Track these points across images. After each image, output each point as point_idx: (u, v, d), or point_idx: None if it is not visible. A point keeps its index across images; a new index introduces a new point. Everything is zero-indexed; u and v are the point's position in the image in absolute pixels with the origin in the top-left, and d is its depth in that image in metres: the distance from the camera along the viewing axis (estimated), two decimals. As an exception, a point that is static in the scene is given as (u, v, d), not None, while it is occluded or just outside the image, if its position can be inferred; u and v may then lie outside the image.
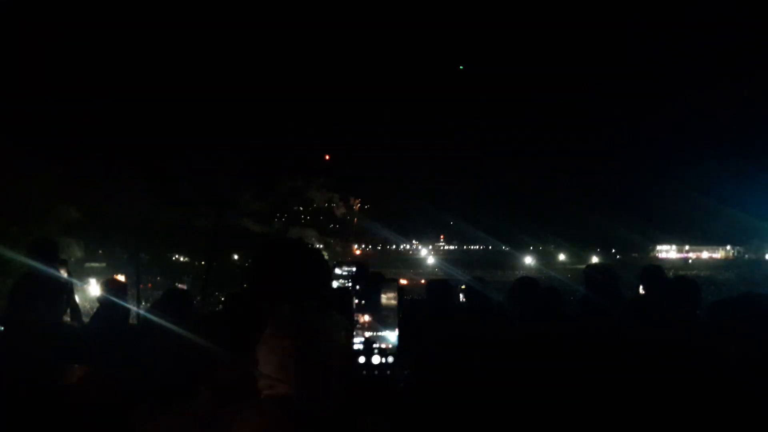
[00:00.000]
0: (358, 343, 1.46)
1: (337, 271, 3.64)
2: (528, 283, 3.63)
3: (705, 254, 60.55)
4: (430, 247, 68.10)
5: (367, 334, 1.47)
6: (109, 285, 4.05)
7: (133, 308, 4.65)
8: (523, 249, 55.97)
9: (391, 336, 1.48)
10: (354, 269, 3.56)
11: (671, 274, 4.67)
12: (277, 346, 1.30)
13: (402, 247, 66.79)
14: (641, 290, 4.36)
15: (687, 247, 61.44)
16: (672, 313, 3.22)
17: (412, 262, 56.29)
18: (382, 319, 1.51)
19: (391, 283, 1.57)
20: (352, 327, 1.48)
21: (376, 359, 1.44)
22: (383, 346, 1.46)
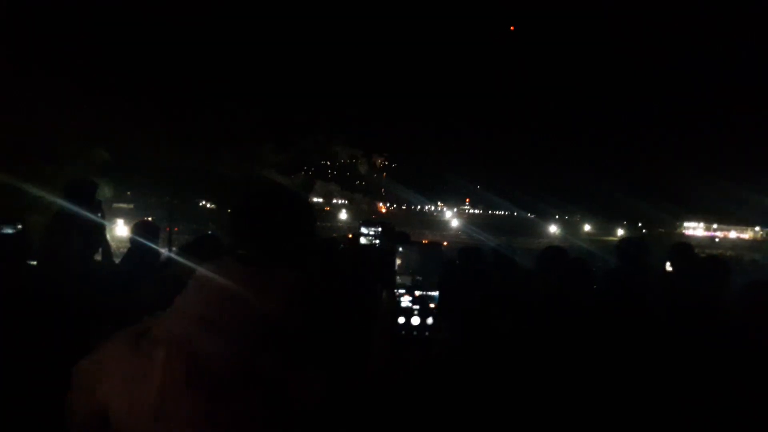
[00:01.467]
0: (405, 301, 1.44)
1: (363, 229, 3.64)
2: (557, 251, 3.61)
3: (733, 234, 59.51)
4: (455, 209, 67.92)
5: (417, 293, 1.47)
6: (142, 227, 4.11)
7: (163, 251, 4.73)
8: (548, 217, 55.55)
9: (435, 295, 1.48)
10: (379, 228, 3.56)
11: (698, 252, 4.60)
12: (199, 288, 1.30)
13: (427, 208, 66.74)
14: (668, 267, 4.31)
15: (715, 226, 60.43)
16: (701, 292, 3.18)
17: (436, 224, 56.27)
18: (427, 279, 1.49)
19: (432, 244, 1.57)
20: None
21: (415, 320, 1.42)
22: (430, 305, 1.45)
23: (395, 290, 1.41)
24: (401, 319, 1.41)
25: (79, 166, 19.74)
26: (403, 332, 1.41)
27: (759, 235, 57.83)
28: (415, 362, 1.39)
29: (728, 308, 3.13)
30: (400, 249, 1.43)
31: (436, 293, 1.43)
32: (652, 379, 2.47)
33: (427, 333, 1.41)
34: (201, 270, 1.32)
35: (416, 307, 1.42)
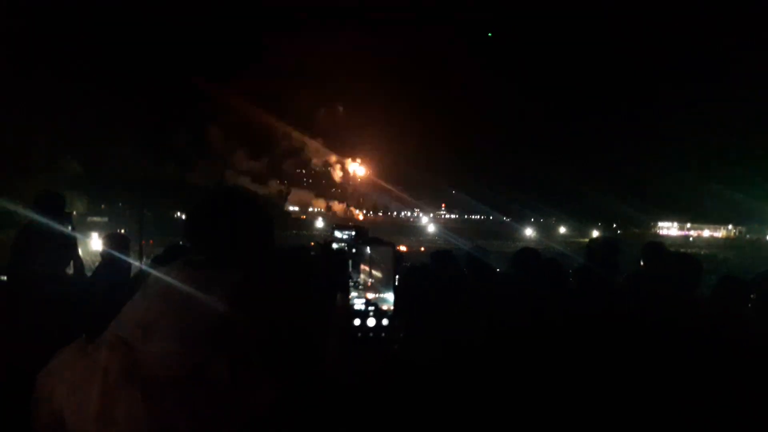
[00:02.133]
0: (359, 304, 1.45)
1: (337, 234, 3.62)
2: (531, 252, 3.64)
3: (706, 233, 60.59)
4: (431, 215, 68.11)
5: (369, 295, 1.46)
6: (112, 239, 4.06)
7: (135, 263, 4.68)
8: (524, 221, 56.03)
9: (390, 298, 1.48)
10: (353, 233, 3.54)
11: (672, 251, 4.67)
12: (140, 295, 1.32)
13: (403, 214, 66.83)
14: (641, 264, 4.36)
15: (688, 225, 61.45)
16: (672, 289, 3.22)
17: (412, 230, 56.37)
18: (381, 282, 1.47)
19: (384, 246, 1.56)
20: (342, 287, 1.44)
21: (371, 321, 1.43)
22: (383, 307, 1.46)
23: (349, 293, 1.42)
24: (356, 321, 1.42)
25: (50, 179, 19.43)
26: (359, 334, 1.42)
27: (732, 233, 58.91)
28: (372, 362, 1.39)
29: (700, 304, 3.18)
30: (353, 250, 1.43)
31: (390, 294, 1.44)
32: (626, 378, 2.48)
33: (383, 334, 1.42)
34: (151, 275, 1.32)
35: (371, 308, 1.43)
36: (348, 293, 1.42)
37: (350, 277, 1.44)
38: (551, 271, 3.32)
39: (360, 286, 1.46)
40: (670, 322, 2.79)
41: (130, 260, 4.30)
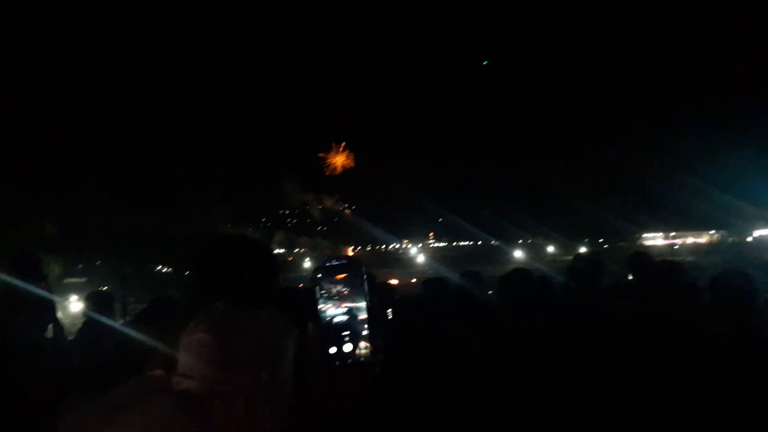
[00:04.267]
0: (334, 330, 1.39)
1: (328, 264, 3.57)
2: (520, 272, 3.63)
3: (690, 239, 61.22)
4: (420, 245, 68.19)
5: (340, 318, 1.41)
6: (94, 298, 3.99)
7: (116, 325, 4.57)
8: (513, 243, 56.22)
9: (360, 315, 1.41)
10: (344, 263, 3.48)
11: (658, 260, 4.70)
12: (192, 342, 1.31)
13: (392, 246, 66.88)
14: (630, 277, 4.38)
15: (672, 234, 62.07)
16: (657, 296, 3.24)
17: (402, 262, 56.33)
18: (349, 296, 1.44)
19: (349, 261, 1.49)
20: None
21: (348, 347, 1.36)
22: (354, 328, 1.40)
23: (319, 322, 1.37)
24: (333, 350, 1.35)
25: (22, 241, 19.12)
26: (338, 363, 1.35)
27: (714, 238, 59.57)
28: (356, 388, 1.34)
29: (689, 309, 3.18)
30: (319, 275, 1.40)
31: (363, 316, 1.39)
32: (618, 391, 2.46)
33: (362, 358, 1.36)
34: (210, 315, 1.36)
35: (345, 333, 1.36)
36: (319, 320, 1.37)
37: (320, 303, 1.40)
38: (539, 292, 3.31)
39: (335, 311, 1.40)
40: (663, 328, 2.79)
41: (113, 319, 4.22)
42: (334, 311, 1.38)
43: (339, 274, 1.41)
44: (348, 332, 1.37)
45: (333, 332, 1.36)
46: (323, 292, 1.39)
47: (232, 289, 1.48)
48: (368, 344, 1.36)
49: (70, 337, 4.22)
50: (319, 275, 1.40)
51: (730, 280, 2.95)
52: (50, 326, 4.08)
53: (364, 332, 1.37)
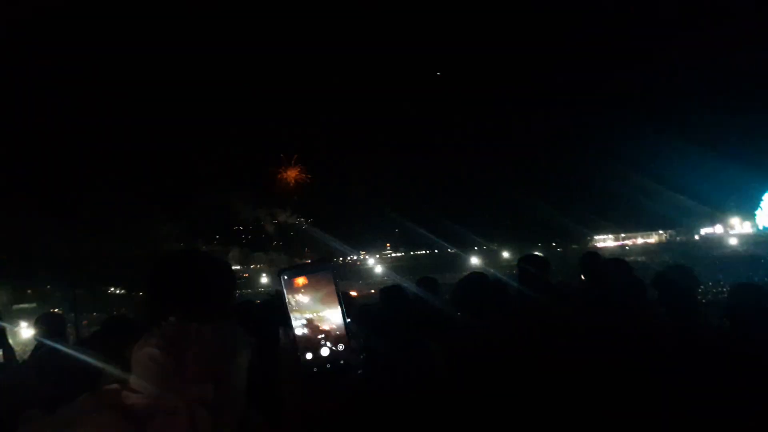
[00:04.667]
0: (302, 332, 1.31)
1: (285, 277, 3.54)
2: (477, 276, 3.69)
3: (640, 240, 62.91)
4: (377, 256, 68.13)
5: (306, 319, 1.32)
6: (45, 320, 3.89)
7: (66, 348, 4.44)
8: (469, 250, 56.76)
9: (334, 317, 1.32)
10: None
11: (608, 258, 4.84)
12: (139, 357, 1.31)
13: (349, 258, 66.64)
14: (582, 278, 4.49)
15: (623, 235, 63.69)
16: (608, 294, 3.32)
17: (360, 273, 56.21)
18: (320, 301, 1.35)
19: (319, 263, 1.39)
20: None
21: (324, 351, 1.28)
22: (330, 331, 1.32)
23: (291, 327, 1.29)
24: (309, 356, 1.28)
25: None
26: (315, 369, 1.28)
27: (663, 238, 61.34)
28: (338, 394, 1.30)
29: (636, 305, 3.29)
30: (285, 277, 1.31)
31: (338, 316, 1.30)
32: (574, 390, 2.52)
33: (341, 361, 1.29)
34: (161, 330, 1.35)
35: (321, 336, 1.29)
36: (291, 327, 1.30)
37: (291, 310, 1.32)
38: (495, 293, 3.37)
39: (306, 315, 1.32)
40: (609, 323, 2.87)
41: (64, 341, 4.10)
42: (305, 314, 1.31)
43: (308, 274, 1.33)
44: (323, 335, 1.30)
45: (307, 337, 1.29)
46: (291, 295, 1.31)
47: (185, 303, 1.46)
48: (347, 345, 1.29)
49: (22, 361, 4.11)
50: (285, 277, 1.32)
51: (673, 275, 3.07)
52: (0, 352, 3.97)
53: (340, 333, 1.30)
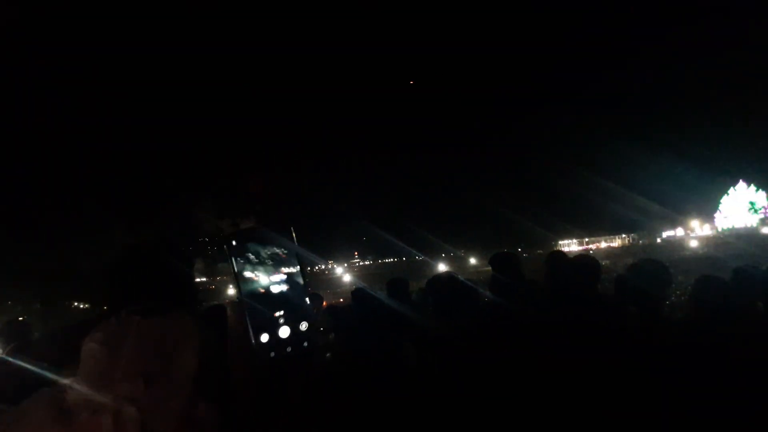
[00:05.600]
0: (260, 314, 1.11)
1: None
2: (446, 276, 3.73)
3: (603, 244, 63.96)
4: (345, 264, 67.93)
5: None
6: (9, 328, 3.81)
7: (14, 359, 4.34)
8: (437, 256, 57.05)
9: (294, 288, 1.12)
10: None
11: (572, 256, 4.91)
12: (83, 351, 1.29)
13: (317, 267, 66.30)
14: (547, 276, 4.55)
15: (587, 239, 64.74)
16: (574, 291, 3.37)
17: (328, 282, 55.93)
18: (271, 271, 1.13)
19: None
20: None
21: (284, 331, 1.09)
22: (290, 306, 1.11)
23: (243, 299, 1.13)
24: (264, 337, 1.09)
25: None
26: (272, 353, 1.08)
27: (627, 241, 62.44)
28: (300, 383, 1.16)
29: (604, 300, 3.36)
30: (234, 242, 1.15)
31: (299, 286, 1.11)
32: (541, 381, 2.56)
33: (305, 343, 1.08)
34: (108, 324, 1.31)
35: (279, 314, 1.09)
36: (241, 302, 1.13)
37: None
38: (465, 290, 3.42)
39: (246, 280, 1.10)
40: (577, 319, 2.92)
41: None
42: (258, 286, 1.11)
43: (260, 239, 1.14)
44: (282, 312, 1.09)
45: (262, 313, 1.09)
46: (242, 262, 1.12)
47: (135, 296, 1.41)
48: (311, 324, 1.09)
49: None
50: (234, 242, 1.13)
51: (643, 270, 3.11)
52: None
53: (303, 308, 1.10)
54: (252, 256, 1.13)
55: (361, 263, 71.74)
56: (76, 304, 31.19)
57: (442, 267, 54.28)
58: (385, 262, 67.50)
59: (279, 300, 1.09)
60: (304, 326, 1.09)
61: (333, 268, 66.84)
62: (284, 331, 1.09)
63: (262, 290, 1.11)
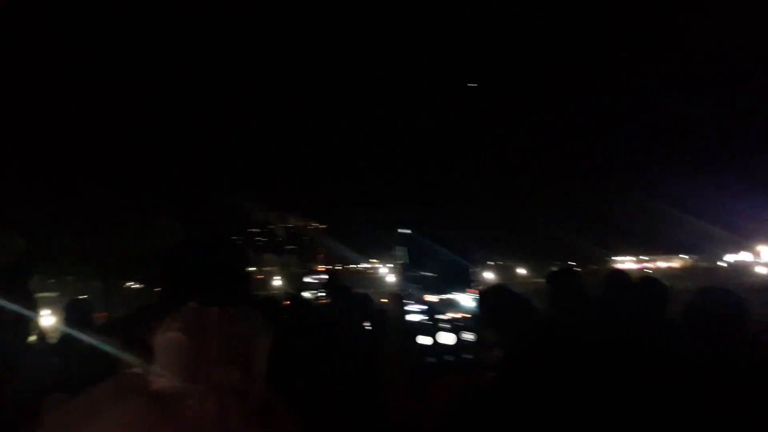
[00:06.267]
0: (420, 317, 1.01)
1: (306, 279, 3.59)
2: (498, 288, 3.66)
3: (662, 264, 61.87)
4: (390, 265, 67.92)
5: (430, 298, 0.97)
6: (72, 306, 3.96)
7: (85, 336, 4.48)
8: (483, 264, 56.43)
9: (465, 299, 0.99)
10: (325, 276, 3.52)
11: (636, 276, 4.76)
12: (165, 342, 1.32)
13: (362, 265, 66.47)
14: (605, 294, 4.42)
15: (644, 258, 62.72)
16: (639, 313, 3.25)
17: (372, 281, 56.05)
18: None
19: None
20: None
21: (448, 338, 0.94)
22: (454, 316, 0.99)
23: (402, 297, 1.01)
24: (425, 339, 0.95)
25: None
26: (431, 359, 0.96)
27: (688, 263, 60.24)
28: (452, 397, 1.16)
29: (671, 329, 3.21)
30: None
31: (470, 303, 0.92)
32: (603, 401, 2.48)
33: (470, 355, 0.95)
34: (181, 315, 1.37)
35: (444, 318, 0.92)
36: (401, 297, 1.06)
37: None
38: (522, 303, 3.35)
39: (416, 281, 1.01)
40: (640, 344, 2.81)
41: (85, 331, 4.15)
42: (426, 285, 0.89)
43: (433, 239, 0.94)
44: (449, 318, 0.89)
45: (425, 316, 0.89)
46: (412, 258, 0.91)
47: (202, 289, 1.46)
48: (478, 337, 0.91)
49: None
50: (405, 233, 0.94)
51: (715, 297, 2.90)
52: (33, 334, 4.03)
53: (471, 319, 0.87)
54: (421, 255, 1.02)
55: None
56: (129, 284, 32.29)
57: (488, 275, 53.63)
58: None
59: (446, 305, 0.96)
60: (469, 337, 0.95)
61: (377, 267, 66.90)
62: (447, 338, 0.97)
63: (428, 291, 1.00)
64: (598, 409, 2.44)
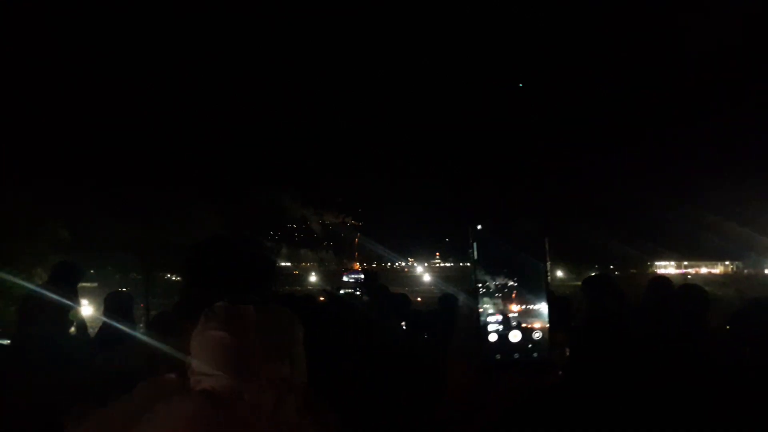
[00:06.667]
0: (493, 317, 1.02)
1: (344, 278, 3.59)
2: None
3: (703, 270, 60.39)
4: (426, 264, 67.88)
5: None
6: (113, 298, 4.02)
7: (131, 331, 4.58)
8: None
9: (536, 293, 1.00)
10: (362, 276, 3.52)
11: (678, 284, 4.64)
12: (207, 340, 1.31)
13: (397, 264, 66.61)
14: (647, 302, 4.32)
15: (685, 263, 61.34)
16: (681, 321, 3.18)
17: (407, 280, 56.12)
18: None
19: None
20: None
21: (515, 335, 0.99)
22: (528, 311, 1.00)
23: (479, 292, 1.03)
24: (493, 336, 1.01)
25: (37, 243, 19.19)
26: (498, 356, 1.00)
27: (730, 269, 58.69)
28: (516, 397, 1.05)
29: (712, 337, 3.12)
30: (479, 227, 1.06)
31: (541, 298, 0.99)
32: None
33: (534, 354, 0.98)
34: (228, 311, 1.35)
35: (513, 314, 0.99)
36: (476, 292, 1.04)
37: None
38: (562, 308, 3.30)
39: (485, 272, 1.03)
40: (682, 352, 2.75)
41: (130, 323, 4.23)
42: (496, 279, 1.02)
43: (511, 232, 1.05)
44: (517, 314, 0.99)
45: (495, 311, 1.00)
46: (483, 252, 1.05)
47: (230, 286, 1.47)
48: (548, 335, 0.99)
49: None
50: (480, 227, 1.06)
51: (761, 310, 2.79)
52: (73, 325, 4.13)
53: (542, 316, 0.98)
54: (495, 249, 1.05)
55: (441, 264, 71.51)
56: (168, 276, 32.93)
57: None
58: (467, 266, 66.90)
59: (515, 300, 1.00)
60: (537, 335, 0.99)
61: (413, 265, 66.92)
62: (515, 335, 1.00)
63: (500, 282, 1.02)
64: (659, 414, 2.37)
